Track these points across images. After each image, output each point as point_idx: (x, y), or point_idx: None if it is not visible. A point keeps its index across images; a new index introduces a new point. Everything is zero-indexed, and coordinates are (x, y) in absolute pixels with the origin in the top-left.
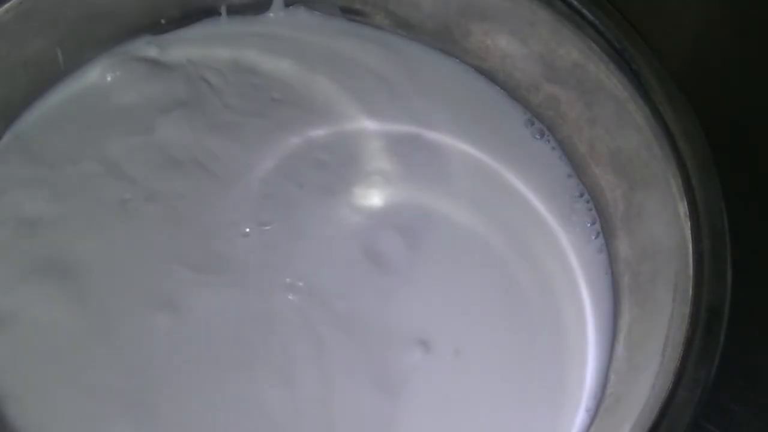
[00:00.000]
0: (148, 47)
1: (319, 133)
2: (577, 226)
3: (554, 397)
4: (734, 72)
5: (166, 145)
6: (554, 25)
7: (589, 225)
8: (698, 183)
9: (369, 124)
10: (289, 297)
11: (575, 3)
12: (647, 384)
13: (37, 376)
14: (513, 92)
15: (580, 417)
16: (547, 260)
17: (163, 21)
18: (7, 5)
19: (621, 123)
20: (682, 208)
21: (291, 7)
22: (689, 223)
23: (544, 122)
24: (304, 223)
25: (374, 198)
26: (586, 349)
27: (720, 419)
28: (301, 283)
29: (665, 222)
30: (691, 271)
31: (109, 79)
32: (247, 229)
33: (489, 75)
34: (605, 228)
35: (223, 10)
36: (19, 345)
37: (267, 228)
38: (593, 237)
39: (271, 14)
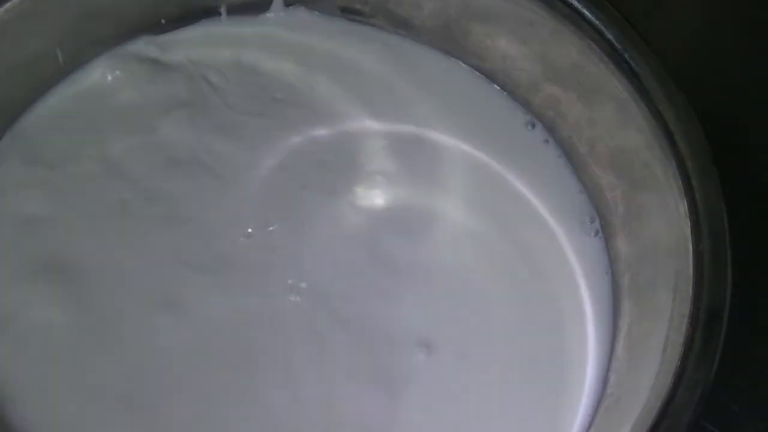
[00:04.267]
0: (148, 47)
1: (321, 132)
2: (577, 225)
3: (554, 397)
4: (734, 72)
5: (166, 144)
6: (554, 25)
7: (589, 224)
8: (698, 183)
9: (370, 124)
10: (292, 298)
11: (575, 3)
12: (647, 384)
13: (37, 376)
14: (513, 92)
15: (580, 417)
16: (547, 260)
17: (163, 21)
18: (7, 5)
19: (621, 123)
20: (682, 208)
21: (291, 7)
22: (689, 223)
23: (544, 122)
24: (306, 223)
25: (377, 198)
26: (586, 349)
27: (720, 419)
28: (303, 284)
29: (665, 222)
30: (691, 271)
31: (109, 79)
32: (249, 230)
33: (489, 75)
34: (605, 228)
35: (223, 10)
36: (18, 345)
37: (269, 228)
38: (593, 237)
39: (271, 14)
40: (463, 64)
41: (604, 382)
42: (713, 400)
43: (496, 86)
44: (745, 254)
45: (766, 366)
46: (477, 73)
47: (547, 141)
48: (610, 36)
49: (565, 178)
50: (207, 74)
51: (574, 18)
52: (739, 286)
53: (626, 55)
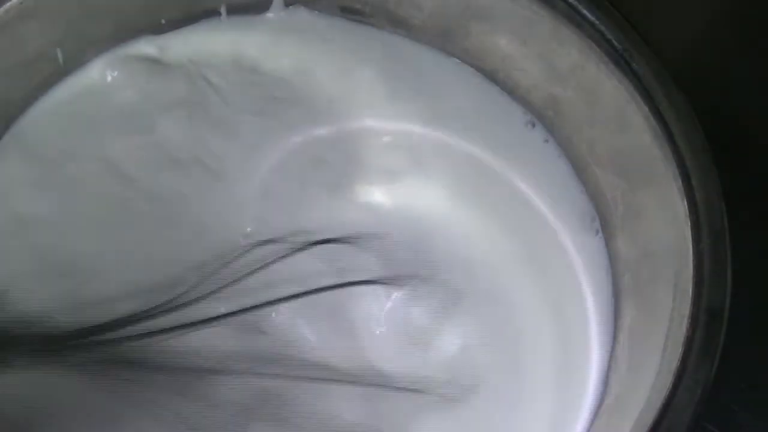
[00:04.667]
0: (148, 47)
1: (320, 132)
2: (577, 225)
3: (555, 397)
4: (734, 72)
5: (166, 144)
6: (554, 25)
7: (589, 224)
8: (698, 183)
9: (370, 124)
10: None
11: (575, 3)
12: (647, 384)
13: (37, 376)
14: (513, 92)
15: (581, 417)
16: (547, 260)
17: (163, 21)
18: (7, 5)
19: (621, 123)
20: (682, 208)
21: (291, 7)
22: (689, 223)
23: (544, 122)
24: (306, 222)
25: (376, 197)
26: (587, 349)
27: (720, 419)
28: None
29: (665, 222)
30: (691, 271)
31: (109, 78)
32: (249, 229)
33: (489, 75)
34: (605, 228)
35: (223, 10)
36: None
37: (269, 228)
38: (593, 236)
39: (271, 14)
40: (463, 64)
41: (604, 381)
42: (713, 400)
43: (496, 86)
44: (745, 254)
45: (766, 366)
46: (477, 73)
47: (547, 141)
48: (610, 36)
49: (565, 178)
50: (207, 74)
51: (574, 18)
52: (740, 286)
53: (626, 55)
